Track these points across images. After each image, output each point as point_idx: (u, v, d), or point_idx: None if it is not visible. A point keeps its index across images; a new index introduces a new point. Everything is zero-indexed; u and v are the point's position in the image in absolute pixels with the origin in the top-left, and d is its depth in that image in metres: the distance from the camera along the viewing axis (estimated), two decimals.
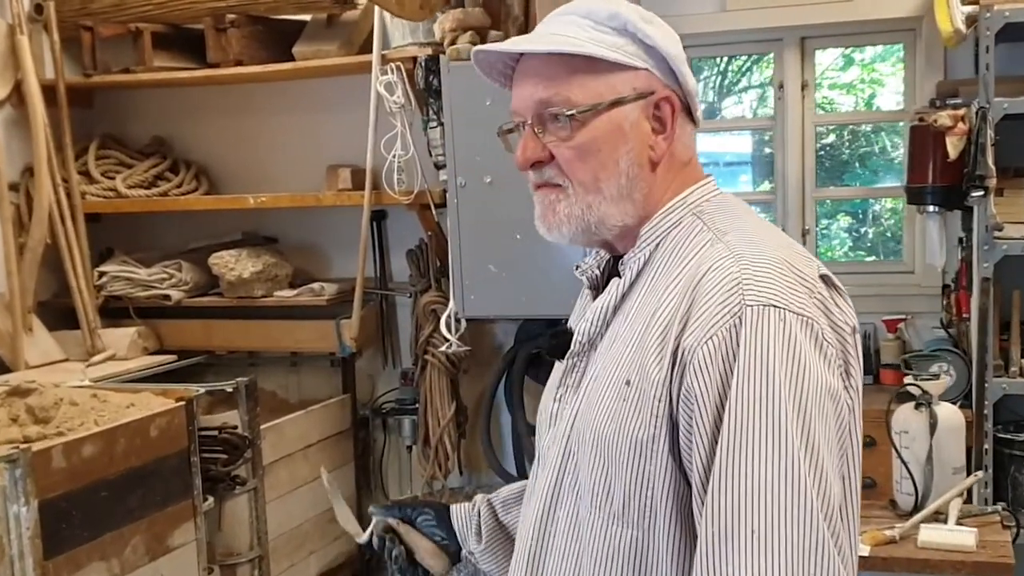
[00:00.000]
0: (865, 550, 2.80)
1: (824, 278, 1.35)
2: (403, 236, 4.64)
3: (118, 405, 3.46)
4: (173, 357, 4.51)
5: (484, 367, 4.64)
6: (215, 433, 3.73)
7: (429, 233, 4.41)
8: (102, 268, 4.64)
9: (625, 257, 1.45)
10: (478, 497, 1.86)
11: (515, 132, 1.49)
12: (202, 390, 3.65)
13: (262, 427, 3.97)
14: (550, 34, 1.41)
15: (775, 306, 1.26)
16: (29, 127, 4.44)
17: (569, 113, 1.39)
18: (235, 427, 3.77)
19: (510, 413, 4.52)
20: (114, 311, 4.64)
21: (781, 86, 4.50)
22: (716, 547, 1.22)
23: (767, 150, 5.21)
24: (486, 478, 4.72)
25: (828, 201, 4.96)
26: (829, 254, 5.08)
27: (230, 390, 3.81)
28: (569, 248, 3.62)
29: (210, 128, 4.87)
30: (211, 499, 3.66)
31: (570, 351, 1.50)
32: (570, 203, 1.43)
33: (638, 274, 1.43)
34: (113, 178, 4.64)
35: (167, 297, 4.55)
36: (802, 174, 4.48)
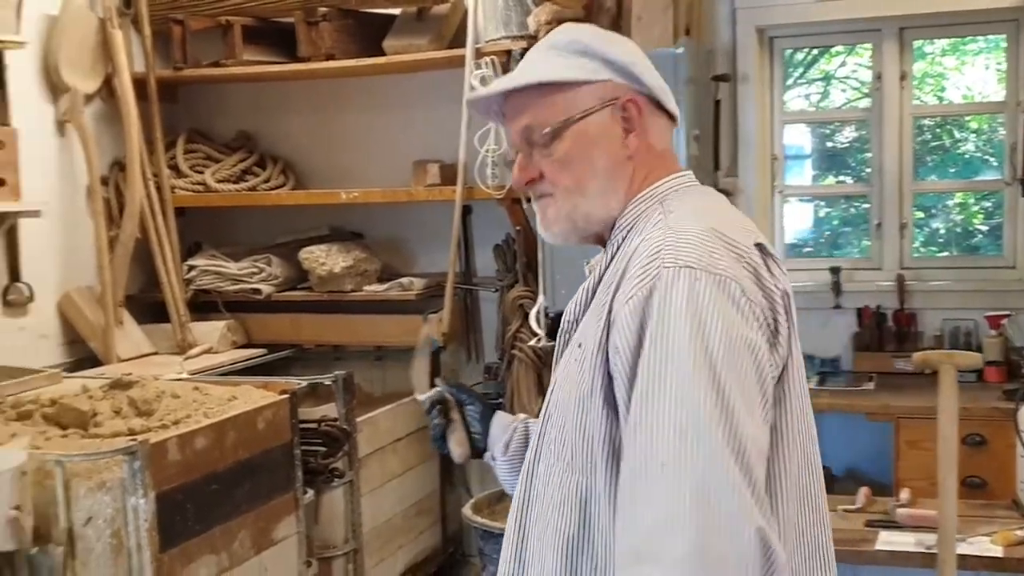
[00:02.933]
0: (999, 551, 2.74)
1: (759, 246, 1.47)
2: (487, 231, 4.61)
3: (220, 398, 3.46)
4: (263, 351, 4.53)
5: None
6: (315, 426, 3.71)
7: (518, 228, 4.37)
8: (191, 262, 4.66)
9: (609, 244, 1.60)
10: (522, 415, 1.98)
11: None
12: (304, 383, 3.63)
13: (357, 420, 3.95)
14: (520, 70, 1.60)
15: (689, 267, 1.38)
16: (119, 121, 4.46)
17: (546, 131, 1.55)
18: (335, 420, 3.75)
19: None
20: (202, 305, 4.65)
21: (879, 77, 4.42)
22: (632, 482, 1.35)
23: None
24: None
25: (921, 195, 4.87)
26: (923, 249, 4.97)
27: (328, 383, 3.78)
28: None
29: (295, 123, 4.88)
30: (311, 492, 3.66)
31: (560, 329, 1.67)
32: (558, 206, 1.59)
33: (612, 258, 1.56)
34: (202, 172, 4.68)
35: (257, 291, 4.56)
36: (899, 167, 4.40)
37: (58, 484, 2.82)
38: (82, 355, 4.36)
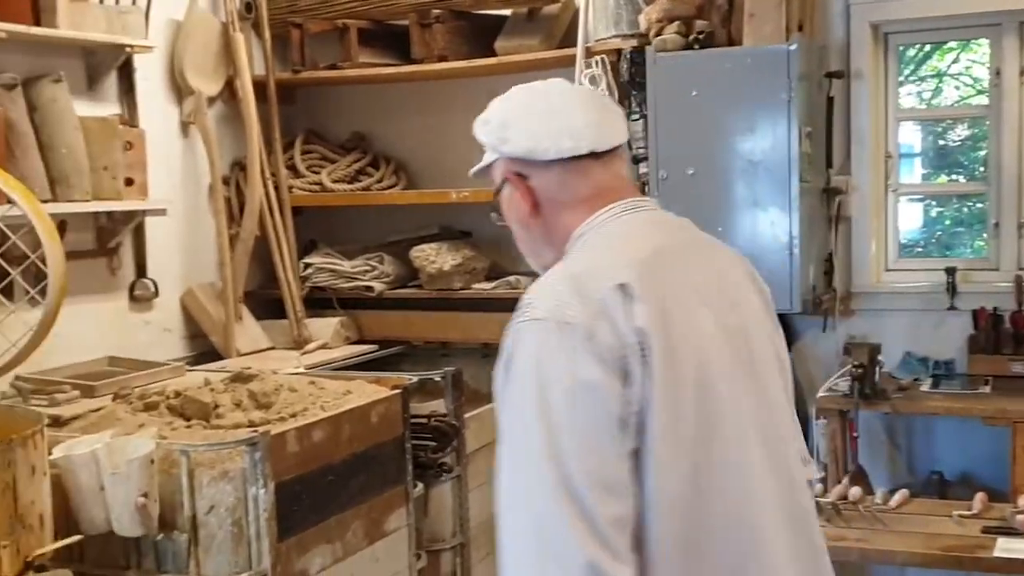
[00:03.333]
0: None
1: (622, 286, 1.50)
2: None
3: (335, 392, 3.53)
4: (374, 347, 4.60)
5: None
6: (424, 421, 3.76)
7: None
8: (307, 260, 4.74)
9: None
10: None
11: None
12: (415, 379, 3.68)
13: (465, 416, 3.98)
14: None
15: (535, 319, 1.49)
16: (239, 123, 4.60)
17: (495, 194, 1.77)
18: (444, 415, 3.80)
19: None
20: (317, 301, 4.72)
21: (997, 73, 4.31)
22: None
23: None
24: None
25: None
26: None
27: (438, 379, 3.83)
28: (775, 245, 3.75)
29: (407, 124, 4.94)
30: (420, 485, 3.70)
31: None
32: (526, 255, 1.80)
33: None
34: (318, 172, 4.77)
35: (370, 288, 4.62)
36: (1019, 165, 4.29)
37: (183, 473, 2.93)
38: (203, 349, 4.50)
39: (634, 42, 4.07)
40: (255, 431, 3.02)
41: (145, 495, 2.85)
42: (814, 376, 4.36)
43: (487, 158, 1.75)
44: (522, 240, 1.75)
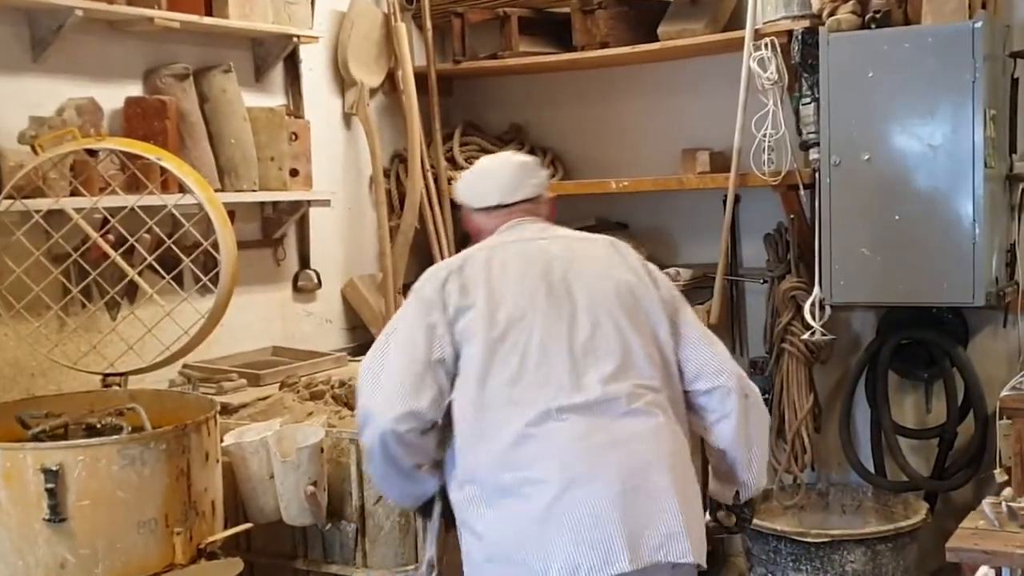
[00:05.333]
0: None
1: (448, 269, 2.50)
2: (755, 221, 4.50)
3: None
4: None
5: (839, 357, 4.46)
6: None
7: (791, 216, 4.25)
8: None
9: None
10: None
11: None
12: None
13: None
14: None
15: (413, 287, 2.51)
16: (399, 114, 4.63)
17: None
18: None
19: (871, 407, 4.33)
20: None
21: None
22: None
23: None
24: (837, 475, 4.54)
25: None
26: None
27: None
28: (955, 235, 3.62)
29: (563, 114, 4.92)
30: None
31: None
32: None
33: None
34: None
35: None
36: None
37: (351, 463, 2.99)
38: (363, 340, 4.48)
39: (806, 23, 3.92)
40: None
41: (315, 484, 2.91)
42: (992, 374, 4.15)
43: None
44: None
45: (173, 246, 3.21)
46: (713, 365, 2.45)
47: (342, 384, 3.54)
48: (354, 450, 2.97)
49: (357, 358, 4.01)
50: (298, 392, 3.50)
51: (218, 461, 2.85)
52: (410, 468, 2.37)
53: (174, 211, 3.18)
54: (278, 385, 3.62)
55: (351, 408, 3.38)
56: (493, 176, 2.65)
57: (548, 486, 2.19)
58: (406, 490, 2.47)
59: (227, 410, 3.35)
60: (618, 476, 2.20)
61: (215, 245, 3.14)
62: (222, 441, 2.93)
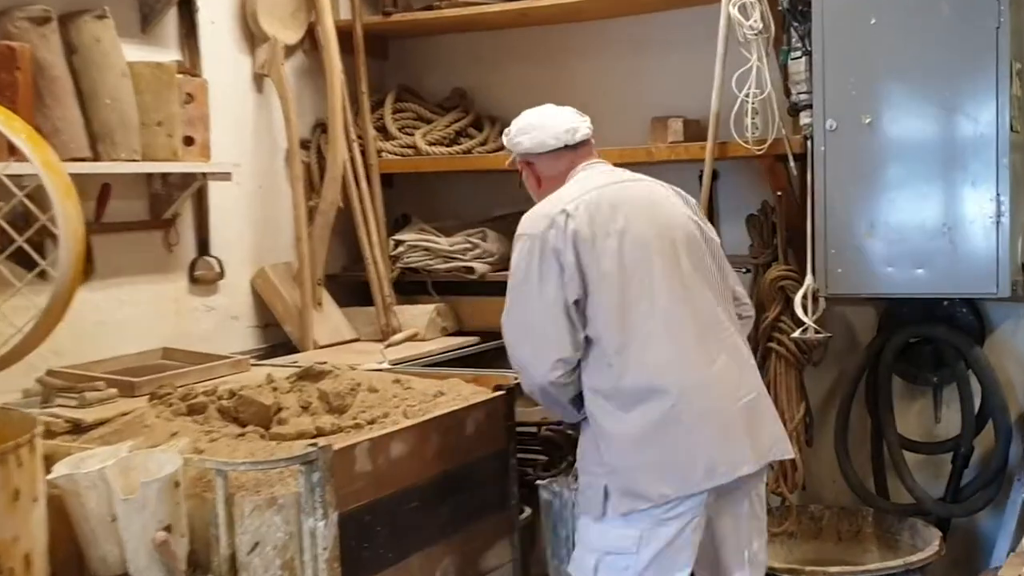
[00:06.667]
0: None
1: (563, 211, 2.62)
2: (735, 199, 4.05)
3: (424, 393, 3.04)
4: (476, 339, 4.15)
5: (834, 358, 3.99)
6: (533, 430, 3.28)
7: (778, 193, 3.77)
8: (398, 236, 4.34)
9: None
10: None
11: None
12: None
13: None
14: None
15: (520, 234, 2.68)
16: (322, 77, 4.16)
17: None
18: (558, 423, 3.21)
19: (871, 417, 3.89)
20: (410, 286, 4.35)
21: None
22: None
23: None
24: (831, 496, 4.04)
25: None
26: None
27: None
28: (975, 213, 3.26)
29: (516, 77, 4.50)
30: (528, 511, 3.21)
31: None
32: None
33: None
34: (411, 134, 4.36)
35: (470, 270, 4.18)
36: None
37: (219, 499, 2.36)
38: (276, 340, 4.09)
39: None
40: (315, 445, 2.39)
41: (167, 528, 2.29)
42: (1013, 376, 3.73)
43: (510, 154, 2.91)
44: (537, 201, 2.77)
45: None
46: (745, 295, 2.99)
47: (232, 394, 2.94)
48: (222, 483, 2.31)
49: (263, 362, 3.61)
50: (171, 405, 2.86)
51: (37, 500, 2.17)
52: (567, 403, 2.66)
53: (3, 178, 2.51)
54: (148, 396, 2.97)
55: (241, 424, 2.84)
56: (551, 120, 2.81)
57: (682, 394, 2.56)
58: (571, 415, 2.72)
59: (79, 428, 2.74)
60: (738, 385, 2.66)
61: (55, 221, 2.49)
62: (49, 472, 2.26)
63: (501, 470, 2.97)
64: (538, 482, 3.17)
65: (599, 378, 2.59)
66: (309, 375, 3.08)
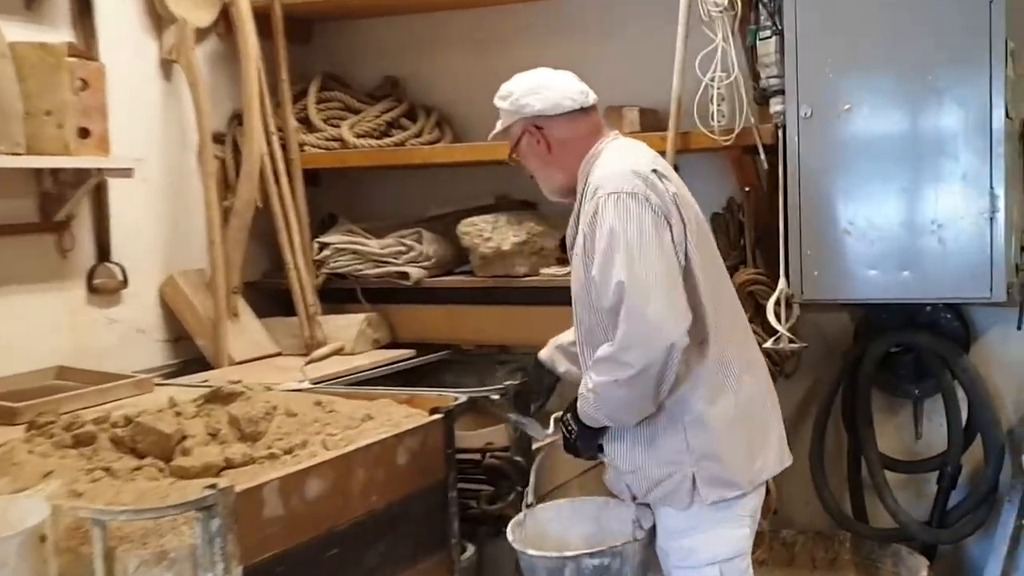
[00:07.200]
0: None
1: (655, 171, 2.51)
2: (699, 195, 3.57)
3: (349, 417, 2.73)
4: (410, 352, 3.90)
5: (807, 370, 3.75)
6: (477, 457, 2.94)
7: (746, 188, 3.55)
8: (323, 239, 4.08)
9: (577, 190, 2.66)
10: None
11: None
12: (463, 398, 2.83)
13: (534, 446, 3.10)
14: (498, 120, 2.75)
15: (612, 192, 2.45)
16: (238, 63, 3.89)
17: (512, 154, 2.75)
18: (505, 448, 2.92)
19: (849, 433, 3.66)
20: (337, 293, 4.09)
21: None
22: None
23: None
24: (805, 519, 3.78)
25: None
26: None
27: (496, 397, 2.99)
28: (967, 208, 3.05)
29: (454, 64, 4.29)
30: (471, 548, 2.90)
31: (567, 246, 2.71)
32: (542, 184, 2.74)
33: (582, 196, 2.59)
34: (337, 126, 4.09)
35: (404, 275, 3.93)
36: None
37: (96, 555, 2.00)
38: (190, 355, 3.80)
39: None
40: (214, 487, 2.03)
41: None
42: (1001, 386, 3.50)
43: (506, 122, 2.69)
44: (539, 172, 2.70)
45: None
46: None
47: (129, 421, 2.58)
48: (101, 535, 1.93)
49: (170, 381, 3.34)
50: (52, 436, 2.49)
51: None
52: (670, 380, 2.46)
53: None
54: (26, 426, 2.62)
55: (139, 455, 2.49)
56: (559, 81, 2.69)
57: (749, 386, 2.58)
58: (646, 409, 2.51)
59: None
60: (768, 383, 2.68)
61: None
62: None
63: (439, 505, 2.65)
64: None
65: (695, 355, 2.49)
66: (218, 397, 2.76)
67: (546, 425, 2.71)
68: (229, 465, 2.41)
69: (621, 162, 2.52)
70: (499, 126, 2.70)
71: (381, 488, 2.42)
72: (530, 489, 2.73)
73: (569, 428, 2.58)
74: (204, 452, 2.51)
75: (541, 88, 2.63)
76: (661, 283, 2.37)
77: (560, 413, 2.63)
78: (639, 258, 2.38)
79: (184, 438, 2.56)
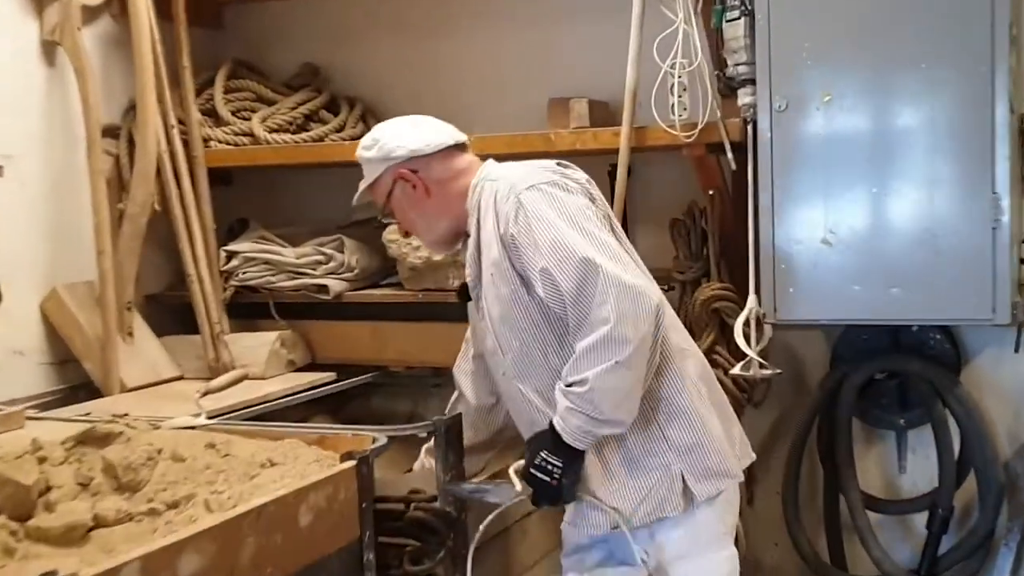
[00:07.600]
0: None
1: (559, 163, 2.53)
2: (656, 199, 3.65)
3: (248, 462, 2.38)
4: (331, 375, 3.68)
5: (778, 398, 3.52)
6: (399, 507, 2.53)
7: (711, 191, 3.30)
8: (232, 247, 3.88)
9: (468, 228, 2.57)
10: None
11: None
12: (384, 439, 2.46)
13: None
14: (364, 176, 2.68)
15: (530, 186, 2.40)
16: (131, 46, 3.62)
17: (383, 207, 2.69)
18: (433, 498, 2.52)
19: (826, 469, 3.41)
20: (247, 308, 3.91)
21: None
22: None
23: None
24: (772, 561, 3.56)
25: None
26: None
27: (424, 435, 2.68)
28: (967, 215, 2.82)
29: (382, 52, 4.13)
30: None
31: (470, 288, 2.60)
32: (423, 237, 2.70)
33: (477, 230, 2.51)
34: (248, 119, 3.88)
35: (323, 288, 3.75)
36: None
37: None
38: (77, 380, 3.54)
39: None
40: (52, 573, 1.67)
41: None
42: (995, 416, 3.23)
43: (374, 173, 2.60)
44: (419, 224, 2.62)
45: None
46: None
47: None
48: None
49: (48, 414, 3.06)
50: None
51: None
52: (652, 366, 2.44)
53: None
54: None
55: None
56: (424, 121, 2.70)
57: (695, 369, 2.56)
58: (638, 401, 2.43)
59: None
60: (708, 368, 2.67)
61: None
62: None
63: (352, 570, 2.29)
64: None
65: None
66: (92, 439, 2.41)
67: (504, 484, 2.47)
68: (99, 523, 2.08)
69: (521, 167, 2.52)
70: (364, 183, 2.62)
71: (277, 558, 2.01)
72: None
73: (549, 468, 2.38)
74: (70, 508, 2.18)
75: (409, 129, 2.63)
76: (619, 252, 2.37)
77: (520, 463, 2.40)
78: (594, 232, 2.36)
79: (49, 489, 2.23)
